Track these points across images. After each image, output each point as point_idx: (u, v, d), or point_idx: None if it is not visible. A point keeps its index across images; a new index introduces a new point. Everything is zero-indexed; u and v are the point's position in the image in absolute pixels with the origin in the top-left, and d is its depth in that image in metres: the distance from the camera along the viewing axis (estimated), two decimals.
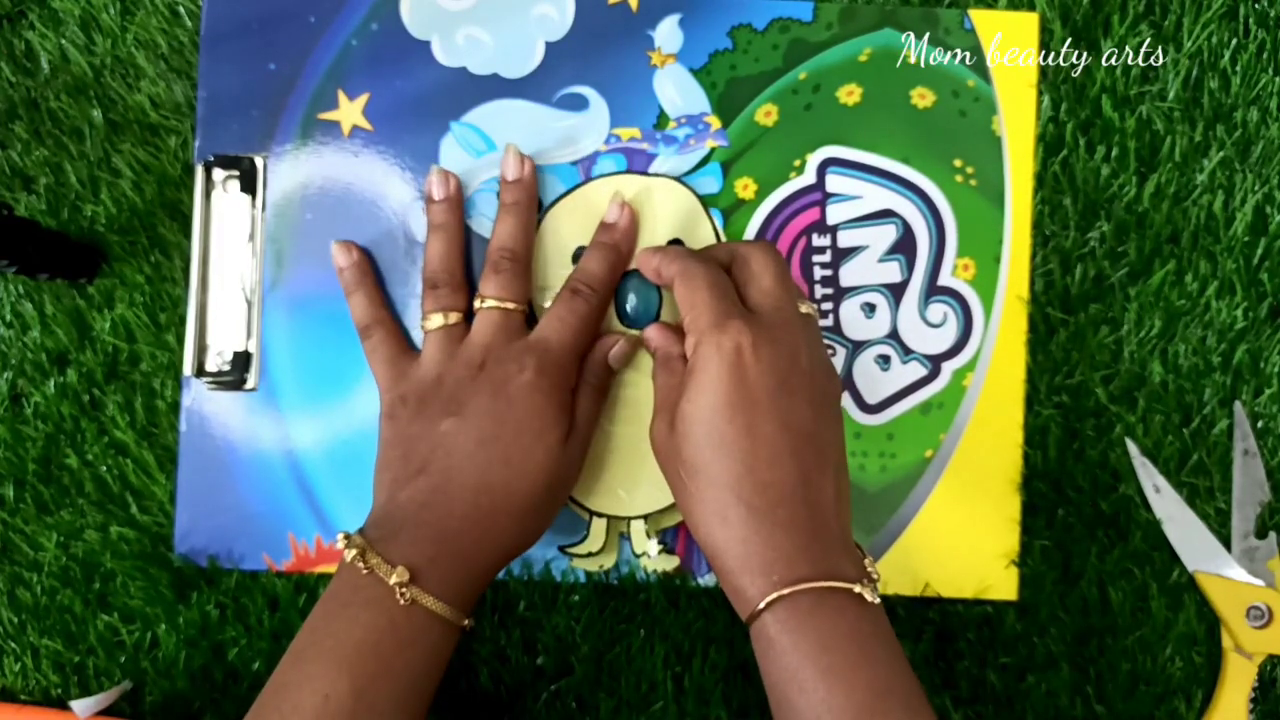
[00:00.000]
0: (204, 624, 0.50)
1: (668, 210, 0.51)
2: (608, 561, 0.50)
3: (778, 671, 0.39)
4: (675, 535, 0.50)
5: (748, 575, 0.40)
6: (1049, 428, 0.51)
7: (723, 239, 0.51)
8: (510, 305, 0.47)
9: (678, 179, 0.51)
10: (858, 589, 0.39)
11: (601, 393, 0.49)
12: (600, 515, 0.50)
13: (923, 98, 0.52)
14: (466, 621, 0.42)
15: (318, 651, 0.39)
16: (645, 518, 0.50)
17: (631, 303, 0.50)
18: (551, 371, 0.45)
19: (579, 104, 0.52)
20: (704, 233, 0.51)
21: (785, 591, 0.38)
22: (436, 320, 0.47)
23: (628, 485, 0.50)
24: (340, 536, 0.41)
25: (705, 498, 0.41)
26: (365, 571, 0.40)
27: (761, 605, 0.39)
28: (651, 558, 0.50)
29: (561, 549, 0.50)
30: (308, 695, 0.38)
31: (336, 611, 0.40)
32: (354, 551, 0.40)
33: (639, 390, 0.50)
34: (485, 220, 0.51)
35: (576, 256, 0.50)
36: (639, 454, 0.50)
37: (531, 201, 0.50)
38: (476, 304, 0.47)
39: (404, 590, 0.40)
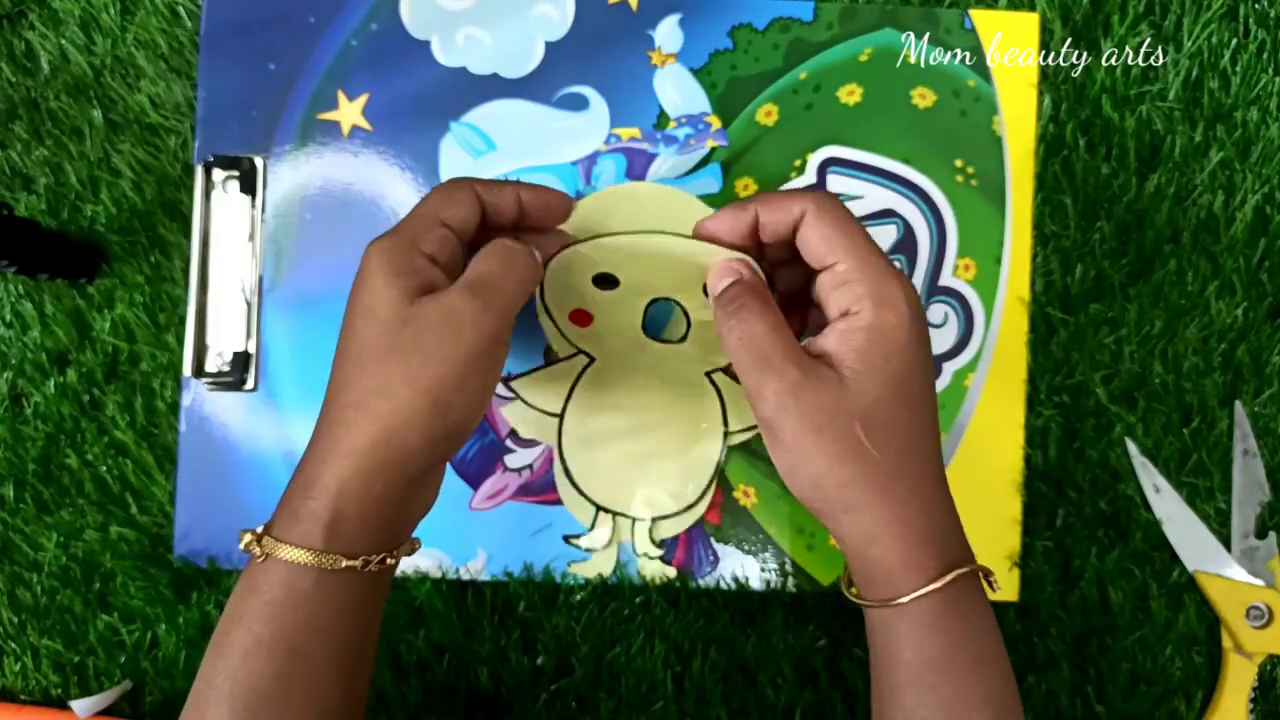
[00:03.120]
0: (204, 624, 0.50)
1: (663, 210, 0.46)
2: (605, 569, 0.50)
3: (916, 655, 0.37)
4: (674, 545, 0.50)
5: (905, 549, 0.36)
6: (1049, 428, 0.51)
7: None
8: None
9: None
10: (981, 569, 0.38)
11: (498, 259, 0.39)
12: (608, 511, 0.50)
13: (923, 98, 0.52)
14: (356, 563, 0.36)
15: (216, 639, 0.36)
16: (652, 521, 0.50)
17: (656, 319, 0.48)
18: (394, 241, 0.38)
19: (579, 104, 0.52)
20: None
21: (957, 572, 0.36)
22: None
23: (647, 488, 0.50)
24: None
25: (888, 464, 0.36)
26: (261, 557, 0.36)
27: (926, 589, 0.36)
28: (650, 558, 0.50)
29: (566, 539, 0.50)
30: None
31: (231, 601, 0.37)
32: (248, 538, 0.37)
33: (657, 395, 0.49)
34: None
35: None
36: (660, 457, 0.50)
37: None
38: None
39: (254, 549, 0.36)
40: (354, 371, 0.36)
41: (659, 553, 0.50)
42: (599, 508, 0.50)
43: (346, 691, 0.37)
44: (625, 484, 0.50)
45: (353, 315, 0.37)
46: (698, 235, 0.42)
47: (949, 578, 0.36)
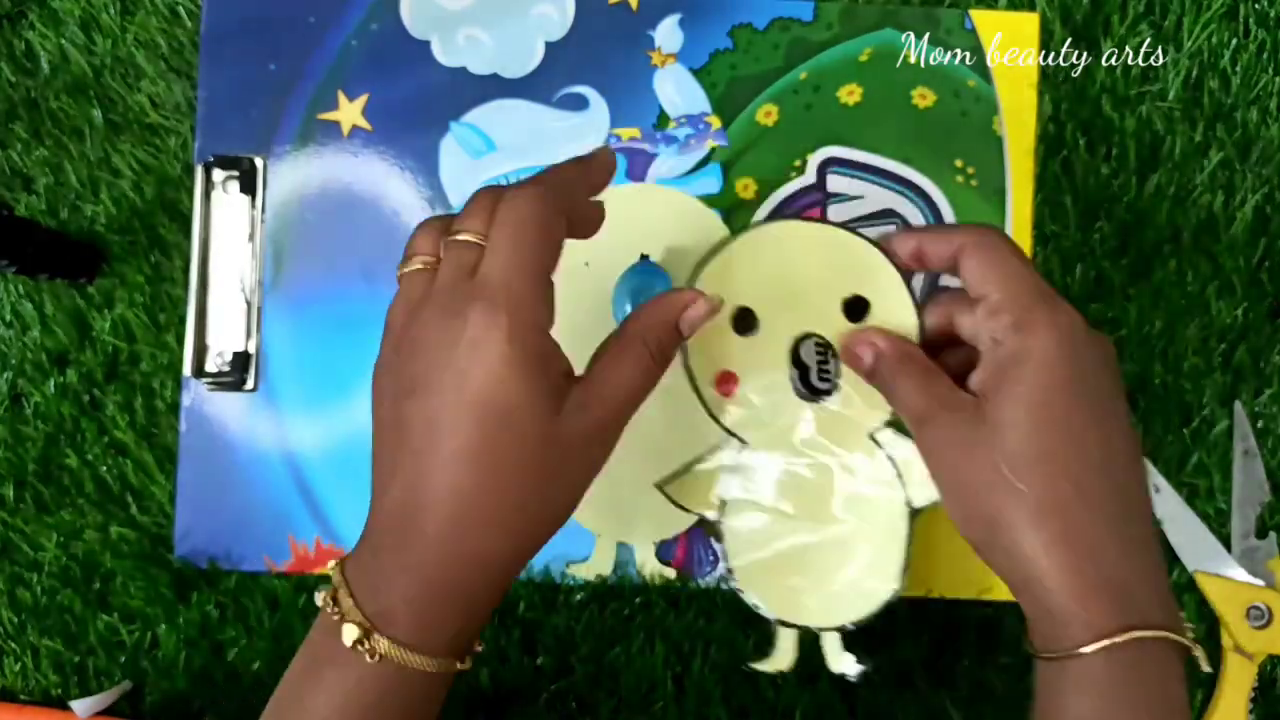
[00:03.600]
0: (204, 624, 0.50)
1: (848, 263, 0.41)
2: (605, 569, 0.50)
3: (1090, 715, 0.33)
4: (673, 547, 0.50)
5: (1068, 597, 0.33)
6: None
7: (914, 296, 0.41)
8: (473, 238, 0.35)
9: (861, 235, 0.41)
10: (1189, 645, 0.33)
11: (652, 359, 0.36)
12: (789, 626, 0.45)
13: (923, 98, 0.52)
14: (460, 664, 0.35)
15: None
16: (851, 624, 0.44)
17: (630, 301, 0.47)
18: (519, 318, 0.33)
19: (579, 104, 0.52)
20: (895, 291, 0.41)
21: (1141, 635, 0.32)
22: (414, 263, 0.37)
23: (647, 513, 0.47)
24: (331, 566, 0.35)
25: (1037, 499, 0.33)
26: (336, 618, 0.33)
27: (1103, 644, 0.32)
28: (650, 569, 0.50)
29: (569, 564, 0.50)
30: None
31: (304, 670, 0.35)
32: (322, 594, 0.34)
33: (651, 424, 0.42)
34: None
35: (739, 321, 0.42)
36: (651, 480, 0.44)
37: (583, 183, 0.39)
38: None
39: (364, 646, 0.32)
40: (489, 480, 0.33)
41: (655, 559, 0.50)
42: (780, 623, 0.44)
43: None
44: (803, 597, 0.43)
45: (481, 414, 0.32)
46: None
47: (1123, 638, 0.32)
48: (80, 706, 0.48)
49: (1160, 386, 0.51)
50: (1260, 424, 0.51)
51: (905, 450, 0.42)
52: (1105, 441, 0.34)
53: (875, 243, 0.41)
